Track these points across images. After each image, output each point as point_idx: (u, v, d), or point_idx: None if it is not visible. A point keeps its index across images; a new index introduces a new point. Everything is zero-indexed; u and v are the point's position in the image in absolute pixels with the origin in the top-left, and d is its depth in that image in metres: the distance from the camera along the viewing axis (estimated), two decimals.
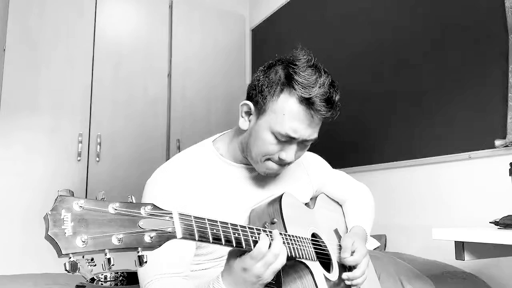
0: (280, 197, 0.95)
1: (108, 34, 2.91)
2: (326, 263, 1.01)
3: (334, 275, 0.99)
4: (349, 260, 1.00)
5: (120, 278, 1.52)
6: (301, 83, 0.90)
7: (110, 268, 0.55)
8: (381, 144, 2.26)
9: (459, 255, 1.13)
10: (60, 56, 2.72)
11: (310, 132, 0.94)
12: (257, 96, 0.95)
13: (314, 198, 1.19)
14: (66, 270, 0.51)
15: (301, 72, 0.91)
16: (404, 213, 2.11)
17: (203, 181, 0.98)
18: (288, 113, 0.91)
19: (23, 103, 2.58)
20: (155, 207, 0.62)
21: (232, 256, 0.79)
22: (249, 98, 0.99)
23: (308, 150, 1.24)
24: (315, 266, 0.93)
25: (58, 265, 2.42)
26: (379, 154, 2.27)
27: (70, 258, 0.51)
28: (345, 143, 2.46)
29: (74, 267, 0.51)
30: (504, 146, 1.64)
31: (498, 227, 1.14)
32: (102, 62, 2.86)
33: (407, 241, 2.07)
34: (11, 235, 2.44)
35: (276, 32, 3.30)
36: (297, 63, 0.93)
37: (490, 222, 1.18)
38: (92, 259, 1.58)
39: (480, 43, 1.80)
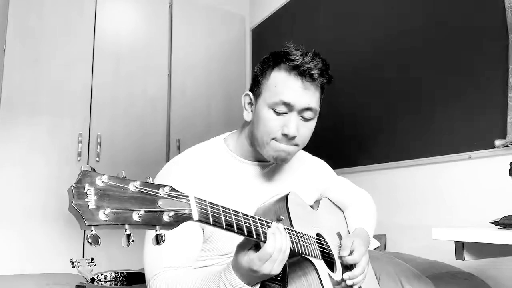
0: (287, 196, 0.97)
1: (108, 33, 2.90)
2: (329, 262, 1.01)
3: (338, 275, 1.00)
4: (348, 259, 1.01)
5: (120, 278, 1.52)
6: (288, 57, 0.97)
7: (129, 244, 0.55)
8: (381, 144, 2.26)
9: (459, 255, 1.12)
10: (60, 56, 2.72)
11: (305, 100, 0.96)
12: (254, 85, 1.02)
13: (317, 202, 1.21)
14: (88, 242, 0.52)
15: (288, 51, 0.98)
16: (404, 213, 2.11)
17: (213, 176, 1.00)
18: (280, 83, 0.96)
19: (23, 103, 2.58)
20: (173, 189, 0.63)
21: (241, 250, 0.79)
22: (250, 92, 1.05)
23: (313, 154, 1.27)
24: (320, 264, 0.94)
25: (58, 265, 2.42)
26: (379, 154, 2.27)
27: (92, 230, 0.52)
28: (345, 143, 2.46)
29: (95, 239, 0.52)
30: (504, 146, 1.64)
31: (498, 227, 1.13)
32: (102, 62, 2.85)
33: (407, 241, 2.07)
34: (11, 235, 2.44)
35: (276, 32, 3.29)
36: (286, 49, 1.00)
37: (490, 222, 1.18)
38: (92, 259, 1.58)
39: (480, 43, 1.80)
